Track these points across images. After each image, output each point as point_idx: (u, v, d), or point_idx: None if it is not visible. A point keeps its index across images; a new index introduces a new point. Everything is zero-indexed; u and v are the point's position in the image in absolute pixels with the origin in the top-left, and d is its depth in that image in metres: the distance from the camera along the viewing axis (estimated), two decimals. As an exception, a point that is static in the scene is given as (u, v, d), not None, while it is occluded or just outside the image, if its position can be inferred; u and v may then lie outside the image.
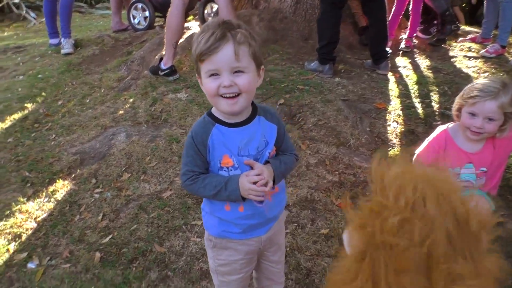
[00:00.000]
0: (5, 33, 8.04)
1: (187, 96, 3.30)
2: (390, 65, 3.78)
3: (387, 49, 3.82)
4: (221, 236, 1.35)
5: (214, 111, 1.27)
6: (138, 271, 1.98)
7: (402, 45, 4.52)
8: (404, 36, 4.63)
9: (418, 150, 1.88)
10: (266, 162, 1.27)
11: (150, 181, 2.53)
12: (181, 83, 3.52)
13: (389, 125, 2.99)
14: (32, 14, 9.22)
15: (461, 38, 4.73)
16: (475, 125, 1.66)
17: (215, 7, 4.88)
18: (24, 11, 9.47)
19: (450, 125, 1.84)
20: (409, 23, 4.56)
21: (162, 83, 3.54)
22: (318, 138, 2.81)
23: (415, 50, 4.50)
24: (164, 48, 3.65)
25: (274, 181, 1.26)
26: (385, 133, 2.91)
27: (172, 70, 3.57)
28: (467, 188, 1.81)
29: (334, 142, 2.78)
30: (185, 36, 4.17)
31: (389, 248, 0.63)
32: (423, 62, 4.16)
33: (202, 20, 4.51)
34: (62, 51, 4.81)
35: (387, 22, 3.81)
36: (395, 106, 3.22)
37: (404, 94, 3.42)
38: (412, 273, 0.62)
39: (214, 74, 1.14)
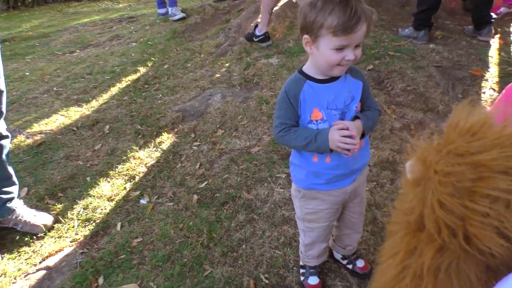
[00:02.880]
0: (120, 5, 8.86)
1: (278, 61, 3.48)
2: (493, 31, 3.55)
3: (492, 14, 3.58)
4: (309, 189, 1.48)
5: (305, 68, 1.36)
6: (229, 212, 2.26)
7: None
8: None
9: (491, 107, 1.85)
10: (355, 118, 1.35)
11: (241, 137, 2.79)
12: (273, 49, 3.69)
13: (484, 93, 2.87)
14: (143, -13, 9.97)
15: None
16: None
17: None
18: (136, -16, 10.29)
19: None
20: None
21: (255, 49, 3.75)
22: (405, 103, 2.82)
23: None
24: (260, 15, 3.84)
25: (363, 135, 1.35)
26: (479, 100, 2.81)
27: (266, 37, 3.75)
28: None
29: (422, 108, 2.76)
30: (280, 4, 4.31)
31: (437, 182, 0.74)
32: (536, 28, 3.83)
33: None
34: (174, 18, 5.23)
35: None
36: (493, 74, 3.06)
37: (506, 61, 3.22)
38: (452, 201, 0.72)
39: (340, 48, 1.20)
